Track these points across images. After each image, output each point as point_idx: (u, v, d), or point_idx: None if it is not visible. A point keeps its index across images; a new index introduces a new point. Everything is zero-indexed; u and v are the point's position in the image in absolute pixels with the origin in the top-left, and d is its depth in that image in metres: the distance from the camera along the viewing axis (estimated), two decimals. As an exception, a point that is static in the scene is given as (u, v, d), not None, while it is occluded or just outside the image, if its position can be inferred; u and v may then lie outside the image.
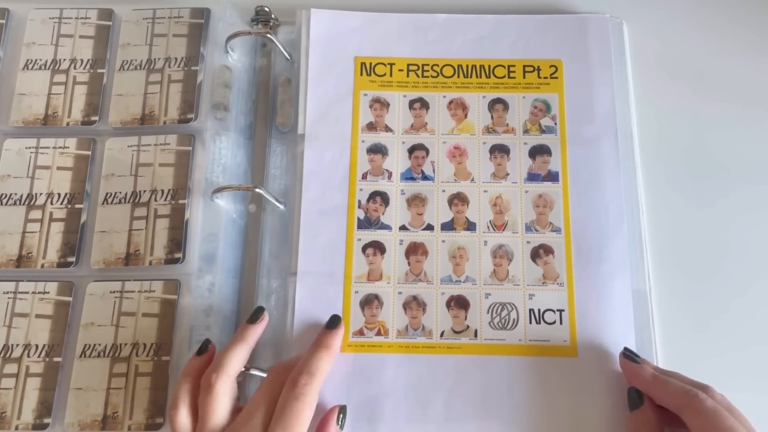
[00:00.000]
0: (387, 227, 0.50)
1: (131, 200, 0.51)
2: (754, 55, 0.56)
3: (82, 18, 0.56)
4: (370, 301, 0.49)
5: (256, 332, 0.46)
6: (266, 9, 0.56)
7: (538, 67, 0.54)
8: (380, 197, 0.51)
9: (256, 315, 0.46)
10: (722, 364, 0.48)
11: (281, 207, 0.51)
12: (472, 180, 0.52)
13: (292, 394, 0.42)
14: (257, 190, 0.50)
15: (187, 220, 0.50)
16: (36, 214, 0.51)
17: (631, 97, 0.54)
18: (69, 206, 0.51)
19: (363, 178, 0.52)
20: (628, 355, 0.45)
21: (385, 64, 0.54)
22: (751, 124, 0.55)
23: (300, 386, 0.42)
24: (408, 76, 0.54)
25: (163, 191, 0.51)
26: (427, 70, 0.55)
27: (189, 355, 0.47)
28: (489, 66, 0.55)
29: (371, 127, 0.53)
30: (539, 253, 0.50)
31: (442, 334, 0.48)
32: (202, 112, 0.52)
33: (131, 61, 0.55)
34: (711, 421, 0.39)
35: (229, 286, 0.50)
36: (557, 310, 0.48)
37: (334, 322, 0.47)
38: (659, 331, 0.49)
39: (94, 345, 0.48)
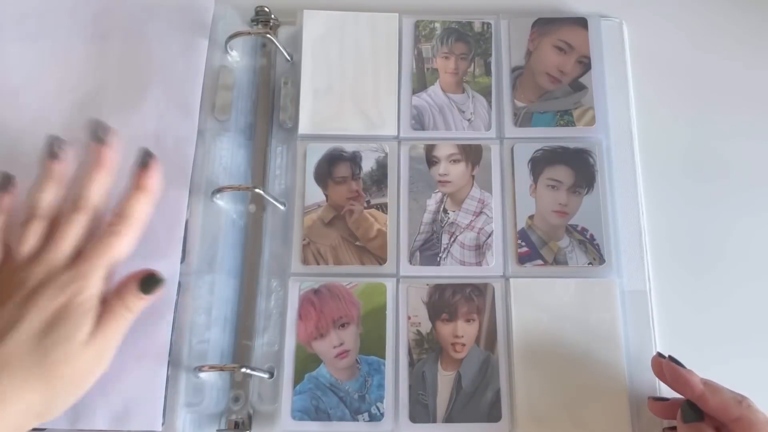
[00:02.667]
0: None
1: (131, 200, 0.51)
2: (754, 55, 0.56)
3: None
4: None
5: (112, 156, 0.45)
6: (266, 9, 0.56)
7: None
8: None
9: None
10: (722, 364, 0.48)
11: (281, 207, 0.51)
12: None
13: (106, 232, 0.43)
14: (257, 190, 0.50)
15: (187, 220, 0.50)
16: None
17: (631, 97, 0.54)
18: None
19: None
20: (676, 360, 0.44)
21: None
22: (751, 124, 0.55)
23: (115, 225, 0.43)
24: None
25: (163, 191, 0.51)
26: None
27: (189, 353, 0.47)
28: (489, 66, 0.55)
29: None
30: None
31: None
32: (202, 112, 0.52)
33: (131, 60, 0.55)
34: None
35: (229, 286, 0.50)
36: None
37: (144, 158, 0.45)
38: (659, 331, 0.49)
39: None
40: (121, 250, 0.44)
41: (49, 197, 0.44)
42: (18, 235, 0.43)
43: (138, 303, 0.43)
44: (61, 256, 0.42)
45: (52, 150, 0.45)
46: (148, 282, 0.43)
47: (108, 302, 0.43)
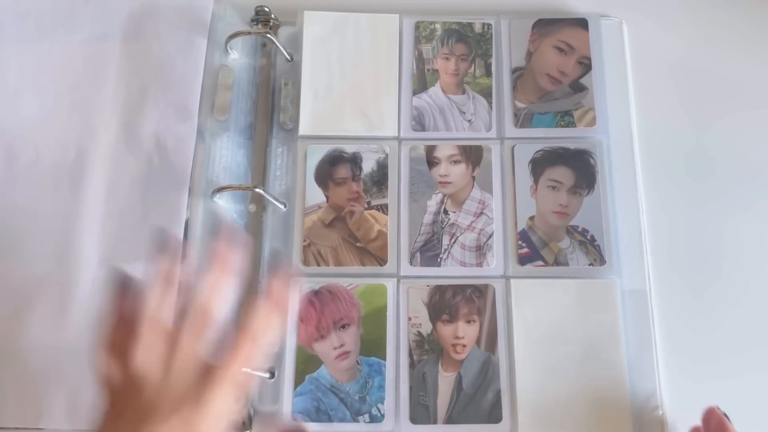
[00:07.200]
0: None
1: (131, 200, 0.51)
2: (753, 54, 0.56)
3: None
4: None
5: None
6: (266, 9, 0.56)
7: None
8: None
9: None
10: (722, 364, 0.48)
11: (282, 207, 0.51)
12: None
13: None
14: (257, 190, 0.50)
15: (187, 219, 0.50)
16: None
17: (631, 97, 0.54)
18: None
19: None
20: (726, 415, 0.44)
21: None
22: (751, 124, 0.55)
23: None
24: None
25: (163, 191, 0.51)
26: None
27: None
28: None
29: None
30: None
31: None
32: (201, 111, 0.52)
33: (131, 60, 0.55)
34: None
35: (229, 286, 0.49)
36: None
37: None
38: (659, 331, 0.49)
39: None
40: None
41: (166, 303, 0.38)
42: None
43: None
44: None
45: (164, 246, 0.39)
46: None
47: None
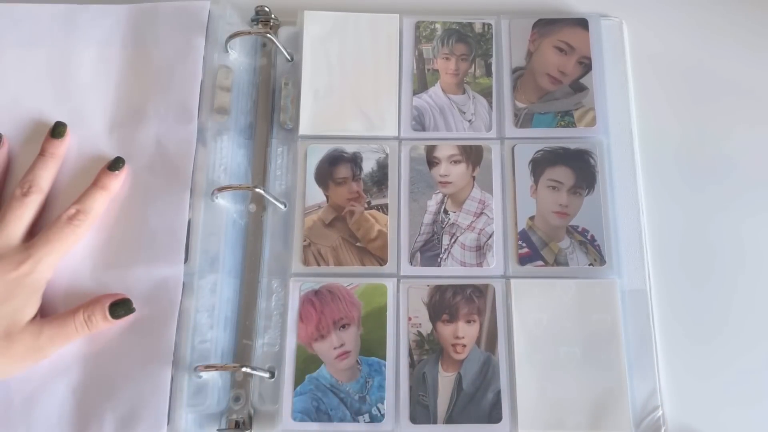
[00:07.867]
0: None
1: (132, 200, 0.51)
2: (753, 54, 0.56)
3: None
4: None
5: (64, 146, 0.50)
6: (266, 9, 0.56)
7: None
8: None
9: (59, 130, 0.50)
10: (723, 364, 0.48)
11: (282, 207, 0.51)
12: (473, 180, 0.52)
13: (65, 223, 0.46)
14: (257, 189, 0.50)
15: (189, 220, 0.50)
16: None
17: (631, 97, 0.54)
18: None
19: (364, 178, 0.52)
20: None
21: None
22: (751, 124, 0.55)
23: (75, 219, 0.46)
24: None
25: (163, 191, 0.51)
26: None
27: (192, 354, 0.47)
28: (489, 66, 0.55)
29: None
30: (540, 253, 0.50)
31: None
32: (202, 112, 0.52)
33: (131, 60, 0.55)
34: None
35: (230, 286, 0.50)
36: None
37: (117, 163, 0.49)
38: (659, 331, 0.49)
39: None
40: (75, 242, 0.47)
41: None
42: None
43: (100, 324, 0.45)
44: (14, 235, 0.45)
45: None
46: (119, 307, 0.45)
47: (72, 310, 0.45)
